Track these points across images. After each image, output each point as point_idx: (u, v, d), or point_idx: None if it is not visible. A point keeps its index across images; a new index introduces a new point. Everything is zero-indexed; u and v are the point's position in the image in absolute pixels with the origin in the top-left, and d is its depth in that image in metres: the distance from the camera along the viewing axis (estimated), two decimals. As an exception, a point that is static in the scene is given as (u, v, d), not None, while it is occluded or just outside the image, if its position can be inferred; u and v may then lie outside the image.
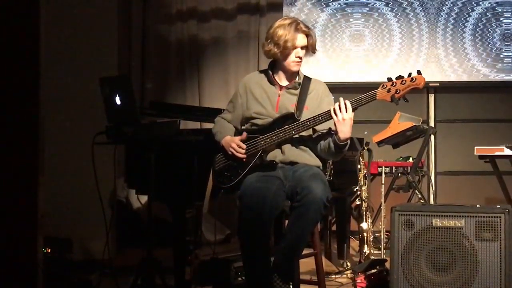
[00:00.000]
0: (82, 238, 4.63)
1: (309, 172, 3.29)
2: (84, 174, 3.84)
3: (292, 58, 3.42)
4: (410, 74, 3.26)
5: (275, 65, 3.52)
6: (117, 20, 5.10)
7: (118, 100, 3.62)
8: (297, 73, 3.51)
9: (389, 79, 3.28)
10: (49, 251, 4.15)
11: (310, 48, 3.45)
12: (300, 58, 3.43)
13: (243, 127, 3.52)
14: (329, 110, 3.25)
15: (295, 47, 3.39)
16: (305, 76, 3.54)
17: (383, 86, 3.28)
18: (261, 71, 3.61)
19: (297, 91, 3.47)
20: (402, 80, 3.25)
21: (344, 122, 3.22)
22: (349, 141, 3.33)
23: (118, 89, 3.65)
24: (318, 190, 3.16)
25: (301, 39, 3.40)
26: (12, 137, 1.80)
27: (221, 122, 3.58)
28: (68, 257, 4.41)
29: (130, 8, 5.98)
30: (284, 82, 3.51)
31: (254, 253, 3.23)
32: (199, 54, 6.21)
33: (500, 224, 3.21)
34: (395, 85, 3.25)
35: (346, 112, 3.22)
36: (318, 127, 3.40)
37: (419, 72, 3.27)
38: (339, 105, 3.24)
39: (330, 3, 6.19)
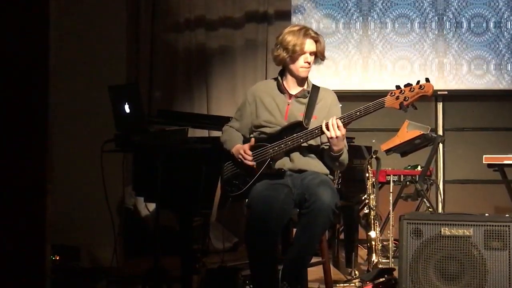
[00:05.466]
0: (90, 246, 4.64)
1: (317, 179, 3.28)
2: (93, 182, 3.85)
3: (300, 63, 3.41)
4: (418, 82, 3.27)
5: (285, 72, 3.52)
6: (125, 29, 5.12)
7: (126, 108, 3.64)
8: (306, 80, 3.51)
9: (398, 87, 3.28)
10: (57, 258, 4.16)
11: (318, 55, 3.45)
12: (309, 63, 3.43)
13: (251, 135, 3.52)
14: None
15: (303, 52, 3.39)
16: (313, 85, 3.54)
17: (391, 93, 3.28)
18: (270, 80, 3.62)
19: (306, 100, 3.47)
20: (411, 88, 3.26)
21: (337, 139, 3.24)
22: (344, 150, 3.34)
23: (127, 98, 3.68)
24: (326, 197, 3.16)
25: (310, 45, 3.40)
26: (20, 145, 1.80)
27: (229, 130, 3.58)
28: (76, 265, 4.41)
29: (139, 17, 6.00)
30: (293, 90, 3.50)
31: (261, 261, 3.22)
32: (207, 63, 6.22)
33: (509, 233, 3.20)
34: (403, 93, 3.26)
35: (339, 129, 3.23)
36: (324, 138, 3.39)
37: (427, 80, 3.27)
38: (332, 124, 3.24)
39: (338, 11, 6.19)
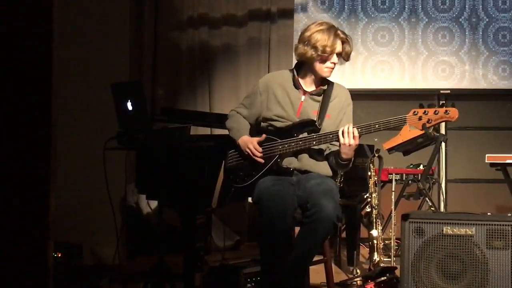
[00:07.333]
0: (92, 243, 4.64)
1: (321, 186, 3.22)
2: (95, 180, 3.85)
3: (327, 63, 3.36)
4: (443, 105, 3.23)
5: (303, 68, 3.45)
6: (129, 27, 5.12)
7: (130, 106, 3.64)
8: (325, 79, 3.44)
9: (421, 106, 3.22)
10: (60, 255, 4.17)
11: (344, 56, 3.39)
12: (334, 64, 3.38)
13: (255, 126, 3.48)
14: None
15: (332, 53, 3.34)
16: (328, 81, 3.47)
17: (414, 112, 3.20)
18: (284, 71, 3.55)
19: (320, 98, 3.41)
20: (436, 111, 3.17)
21: (349, 146, 3.21)
22: (352, 159, 3.31)
23: (130, 95, 3.67)
24: (329, 208, 3.10)
25: (339, 46, 3.36)
26: (24, 142, 1.81)
27: (236, 117, 3.52)
28: (78, 262, 4.42)
29: (142, 15, 6.00)
30: (309, 87, 3.44)
31: (276, 256, 3.15)
32: (210, 61, 6.21)
33: (511, 232, 3.20)
34: (427, 114, 3.18)
35: (354, 139, 3.19)
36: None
37: (453, 105, 3.21)
38: (348, 131, 3.19)
39: (342, 10, 6.18)
